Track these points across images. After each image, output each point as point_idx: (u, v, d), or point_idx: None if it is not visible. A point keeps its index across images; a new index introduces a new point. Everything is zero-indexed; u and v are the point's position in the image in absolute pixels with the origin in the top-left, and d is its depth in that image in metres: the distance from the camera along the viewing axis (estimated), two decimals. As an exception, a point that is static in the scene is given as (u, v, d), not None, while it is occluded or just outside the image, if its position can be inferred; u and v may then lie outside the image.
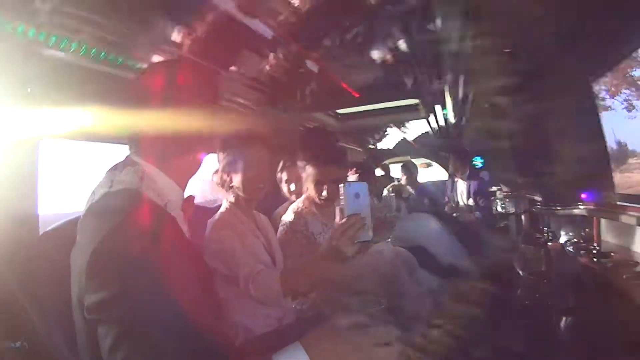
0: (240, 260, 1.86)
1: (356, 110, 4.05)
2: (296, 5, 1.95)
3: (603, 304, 1.98)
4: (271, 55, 2.38)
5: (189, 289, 1.14)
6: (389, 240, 3.79)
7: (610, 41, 1.94)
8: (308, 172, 2.34)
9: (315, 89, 2.99)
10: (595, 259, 2.08)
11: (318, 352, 1.16)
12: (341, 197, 1.64)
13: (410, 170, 6.33)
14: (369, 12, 1.98)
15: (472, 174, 5.45)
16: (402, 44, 2.31)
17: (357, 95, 3.10)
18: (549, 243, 2.76)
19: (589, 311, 1.94)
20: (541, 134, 2.49)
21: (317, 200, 2.35)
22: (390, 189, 5.60)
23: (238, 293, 1.88)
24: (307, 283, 1.88)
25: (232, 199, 2.09)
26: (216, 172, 2.11)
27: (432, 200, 5.99)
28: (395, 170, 7.72)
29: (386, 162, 7.52)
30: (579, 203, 2.47)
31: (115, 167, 1.22)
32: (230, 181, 2.05)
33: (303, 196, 2.47)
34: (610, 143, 2.40)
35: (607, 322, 1.76)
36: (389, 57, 2.47)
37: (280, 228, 2.36)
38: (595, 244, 2.39)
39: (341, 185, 1.65)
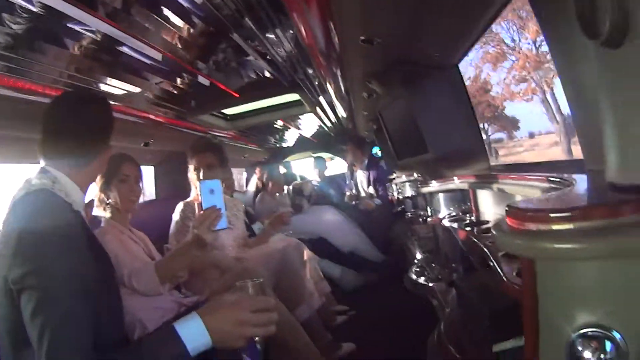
0: (123, 261, 2.09)
1: (243, 110, 4.08)
2: (182, 33, 2.07)
3: (483, 273, 2.07)
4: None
5: (94, 268, 1.34)
6: (290, 232, 3.81)
7: (468, 23, 2.03)
8: (190, 165, 2.85)
9: (205, 96, 3.09)
10: (473, 230, 2.15)
11: (209, 317, 1.26)
12: (198, 194, 1.98)
13: (319, 165, 6.53)
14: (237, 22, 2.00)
15: (371, 164, 5.57)
16: (276, 43, 2.32)
17: (237, 96, 3.15)
18: (429, 219, 2.87)
19: (469, 281, 2.02)
20: (416, 117, 2.57)
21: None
22: (291, 188, 5.67)
23: (129, 293, 2.05)
24: (177, 268, 2.17)
25: (109, 214, 2.31)
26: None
27: (337, 192, 6.10)
28: (297, 167, 7.82)
29: (288, 159, 7.62)
30: (455, 177, 2.57)
31: (31, 176, 1.45)
32: (107, 198, 2.29)
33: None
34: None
35: (484, 291, 1.84)
36: (264, 56, 2.49)
37: (172, 223, 2.77)
38: (472, 215, 2.50)
39: (198, 183, 2.09)
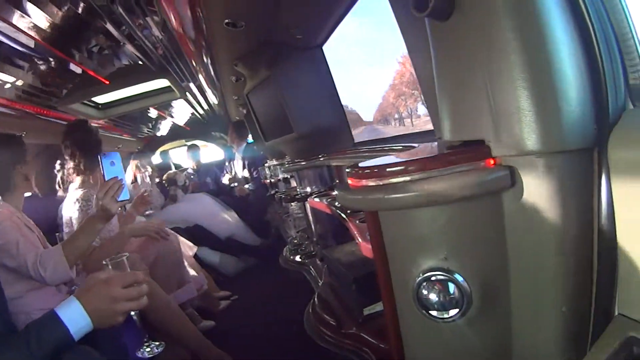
0: (24, 249, 1.97)
1: (114, 99, 3.93)
2: (53, 19, 1.95)
3: (349, 243, 2.17)
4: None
5: None
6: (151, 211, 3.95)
7: (330, 5, 2.09)
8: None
9: (75, 85, 2.97)
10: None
11: (84, 298, 1.27)
12: (100, 166, 2.04)
13: (193, 153, 6.40)
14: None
15: (246, 149, 5.58)
16: (145, 28, 2.27)
17: (107, 83, 3.06)
18: (298, 198, 2.94)
19: (336, 252, 2.11)
20: (281, 98, 2.61)
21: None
22: (165, 178, 5.56)
23: (32, 286, 2.02)
24: (84, 246, 2.10)
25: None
26: None
27: (212, 179, 6.05)
28: (173, 156, 7.66)
29: (164, 148, 7.44)
30: (320, 156, 2.65)
31: None
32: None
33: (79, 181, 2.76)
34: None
35: (349, 260, 1.93)
36: (133, 42, 2.43)
37: (69, 211, 2.68)
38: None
39: (99, 155, 2.06)
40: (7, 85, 2.42)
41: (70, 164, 2.77)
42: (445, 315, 0.92)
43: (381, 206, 0.97)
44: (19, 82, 2.48)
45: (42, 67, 2.45)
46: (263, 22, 2.13)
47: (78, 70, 2.62)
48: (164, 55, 2.74)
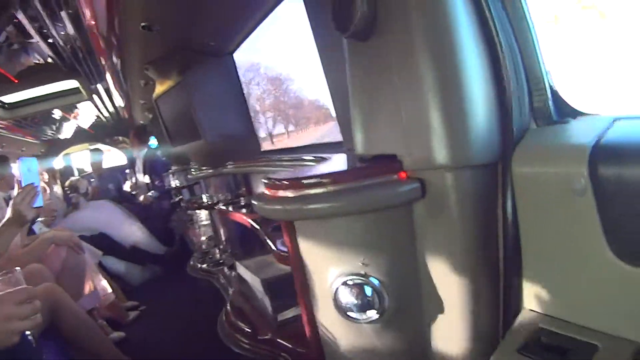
0: None
1: (22, 98, 3.74)
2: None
3: (259, 250, 2.19)
4: None
5: None
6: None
7: (245, 14, 2.12)
8: None
9: None
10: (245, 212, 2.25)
11: None
12: (17, 172, 2.06)
13: (95, 157, 6.10)
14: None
15: (148, 154, 5.45)
16: (59, 25, 2.19)
17: (16, 81, 2.93)
18: (205, 206, 2.94)
19: (246, 259, 2.13)
20: (190, 104, 2.60)
21: None
22: (68, 185, 5.33)
23: None
24: (2, 247, 2.06)
25: None
26: None
27: (115, 185, 5.85)
28: (76, 160, 7.36)
29: (67, 151, 7.10)
30: (228, 163, 2.66)
31: None
32: None
33: None
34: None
35: (261, 266, 1.96)
36: (42, 40, 2.33)
37: None
38: (245, 199, 2.61)
39: (18, 160, 2.06)
40: None
41: None
42: (364, 317, 0.97)
43: (299, 216, 1.01)
44: None
45: None
46: (178, 27, 2.13)
47: None
48: (76, 54, 2.66)
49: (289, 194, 1.00)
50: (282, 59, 2.64)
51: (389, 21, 0.90)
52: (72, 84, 3.40)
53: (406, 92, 0.91)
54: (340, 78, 1.38)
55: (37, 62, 2.80)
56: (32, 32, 2.21)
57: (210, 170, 2.85)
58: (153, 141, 5.92)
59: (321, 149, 2.04)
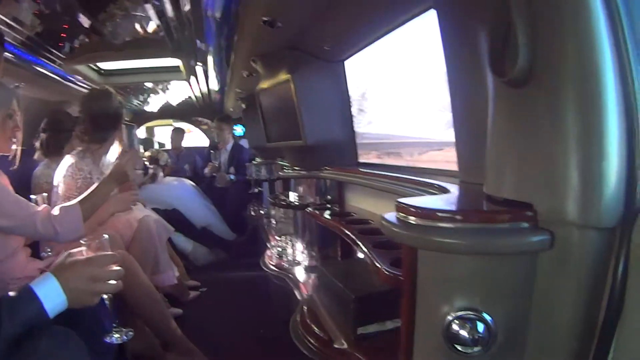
0: (27, 205, 1.97)
1: (120, 67, 3.91)
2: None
3: (347, 260, 2.21)
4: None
5: None
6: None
7: (368, 28, 2.13)
8: None
9: (81, 42, 2.84)
10: (340, 220, 2.26)
11: (63, 275, 1.24)
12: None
13: (177, 136, 6.28)
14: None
15: (233, 142, 5.54)
16: (169, 4, 2.26)
17: (120, 51, 3.01)
18: (292, 204, 2.97)
19: (334, 267, 2.14)
20: (296, 104, 2.63)
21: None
22: (149, 155, 5.48)
23: (6, 254, 1.97)
24: (99, 204, 2.21)
25: None
26: None
27: (191, 166, 5.97)
28: (160, 133, 7.55)
29: (149, 124, 7.33)
30: (325, 168, 2.68)
31: None
32: None
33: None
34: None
35: (350, 277, 1.97)
36: (155, 15, 2.40)
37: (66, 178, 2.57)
38: (337, 206, 2.63)
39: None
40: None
41: (80, 131, 2.72)
42: (470, 350, 0.97)
43: (425, 245, 1.01)
44: (25, 27, 2.39)
45: (53, 17, 2.36)
46: (299, 28, 2.15)
47: (86, 24, 2.53)
48: (186, 35, 2.72)
49: (420, 222, 1.00)
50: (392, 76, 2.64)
51: (543, 69, 0.90)
52: (174, 62, 3.51)
53: (550, 143, 0.90)
54: (465, 108, 1.40)
55: (144, 35, 2.86)
56: (147, 5, 2.27)
57: (304, 172, 2.88)
58: (238, 129, 6.04)
59: (424, 173, 2.03)
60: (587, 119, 0.86)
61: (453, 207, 1.14)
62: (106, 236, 1.46)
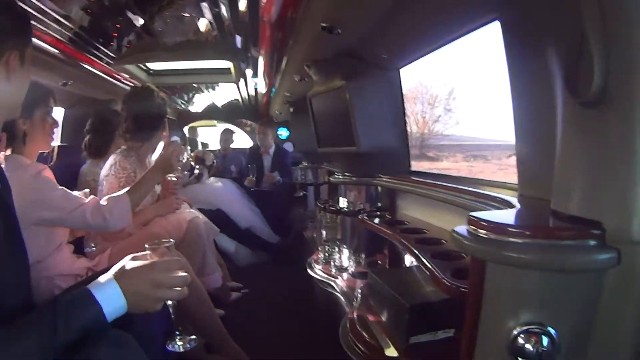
0: (75, 197, 2.06)
1: (169, 68, 3.95)
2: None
3: (398, 268, 2.20)
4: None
5: None
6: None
7: (427, 38, 2.13)
8: None
9: (131, 41, 2.88)
10: (394, 228, 2.25)
11: (124, 279, 1.20)
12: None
13: (226, 136, 6.35)
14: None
15: (276, 144, 5.57)
16: (224, 7, 2.29)
17: (170, 52, 3.03)
18: (341, 210, 2.97)
19: (386, 275, 2.13)
20: (351, 111, 2.63)
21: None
22: (194, 155, 5.51)
23: (53, 248, 2.05)
24: (145, 194, 2.36)
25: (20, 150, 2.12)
26: None
27: (237, 167, 6.02)
28: (202, 134, 7.64)
29: (194, 124, 7.44)
30: (380, 175, 2.67)
31: None
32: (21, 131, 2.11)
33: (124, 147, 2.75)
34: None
35: (403, 286, 1.96)
36: (210, 16, 2.43)
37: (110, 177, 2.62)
38: (389, 214, 2.62)
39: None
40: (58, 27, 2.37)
41: (122, 130, 2.75)
42: None
43: (494, 259, 1.02)
44: (73, 24, 2.42)
45: (104, 14, 2.39)
46: (356, 35, 2.15)
47: (138, 23, 2.55)
48: (242, 39, 2.75)
49: (491, 235, 1.02)
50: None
51: (616, 90, 0.90)
52: (225, 64, 3.55)
53: (620, 163, 0.92)
54: (528, 123, 1.40)
55: (197, 37, 2.90)
56: (203, 5, 2.30)
57: (355, 178, 2.88)
58: (283, 132, 6.08)
59: (480, 184, 2.00)
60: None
61: (522, 223, 1.16)
62: (172, 241, 1.43)
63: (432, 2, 1.71)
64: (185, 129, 7.34)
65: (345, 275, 2.77)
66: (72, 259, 2.18)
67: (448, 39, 2.09)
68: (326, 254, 3.12)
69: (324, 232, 3.49)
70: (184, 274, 1.30)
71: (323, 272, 2.96)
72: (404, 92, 2.68)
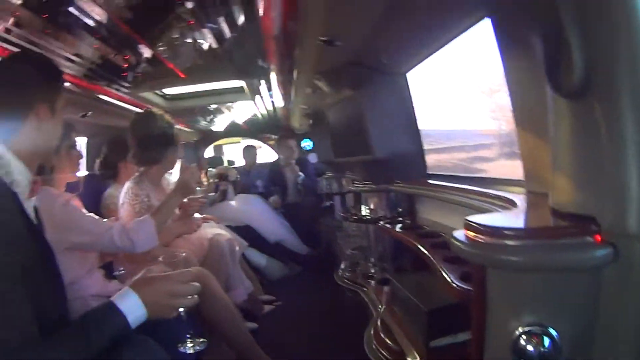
0: (102, 222, 2.21)
1: (184, 92, 4.05)
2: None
3: (417, 274, 2.20)
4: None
5: (29, 259, 1.19)
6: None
7: (427, 39, 2.14)
8: None
9: (144, 71, 2.91)
10: (412, 234, 2.25)
11: (143, 290, 1.34)
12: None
13: (249, 152, 6.42)
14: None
15: (300, 156, 5.61)
16: (227, 27, 2.34)
17: (184, 77, 3.08)
18: (364, 218, 2.98)
19: (406, 281, 2.14)
20: (362, 119, 2.65)
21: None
22: (216, 172, 5.53)
23: (86, 270, 2.15)
24: (168, 216, 2.49)
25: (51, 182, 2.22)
26: None
27: (263, 181, 6.06)
28: (228, 152, 7.72)
29: (218, 142, 7.53)
30: (397, 182, 2.68)
31: None
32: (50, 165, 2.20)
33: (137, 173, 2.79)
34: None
35: (422, 291, 1.96)
36: (213, 39, 2.48)
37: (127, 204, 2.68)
38: (408, 220, 2.62)
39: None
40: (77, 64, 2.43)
41: (131, 154, 2.83)
42: None
43: (491, 263, 1.02)
44: (87, 61, 2.47)
45: (113, 50, 2.44)
46: (356, 44, 2.17)
47: (148, 54, 2.60)
48: (247, 55, 2.79)
49: (487, 240, 1.02)
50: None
51: (599, 79, 0.89)
52: (237, 83, 3.60)
53: (610, 155, 0.90)
54: (527, 119, 1.41)
55: (204, 60, 2.94)
56: (205, 32, 2.35)
57: (374, 186, 2.90)
58: (306, 144, 6.10)
59: (492, 183, 2.00)
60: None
61: (519, 224, 1.18)
62: (183, 254, 1.62)
63: (422, 6, 1.73)
64: (210, 148, 7.45)
65: (371, 282, 2.79)
66: (104, 281, 2.27)
67: (444, 40, 2.10)
68: (353, 263, 3.13)
69: (350, 241, 3.51)
70: (196, 284, 1.44)
71: (350, 280, 2.98)
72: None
